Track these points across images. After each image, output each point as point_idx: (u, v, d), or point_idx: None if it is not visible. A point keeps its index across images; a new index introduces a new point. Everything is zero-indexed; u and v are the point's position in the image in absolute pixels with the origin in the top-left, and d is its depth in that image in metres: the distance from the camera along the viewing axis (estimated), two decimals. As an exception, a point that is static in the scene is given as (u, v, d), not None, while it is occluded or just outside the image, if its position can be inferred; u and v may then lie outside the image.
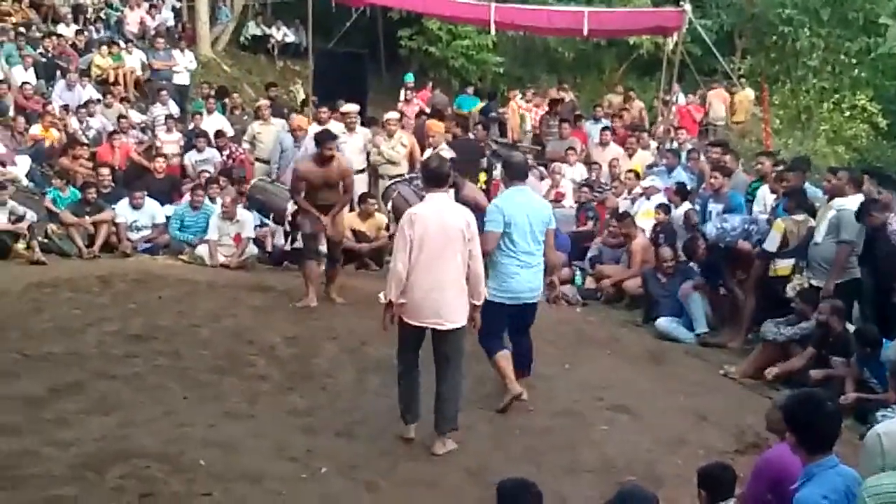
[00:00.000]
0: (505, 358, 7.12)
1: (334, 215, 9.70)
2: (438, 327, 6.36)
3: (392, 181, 11.48)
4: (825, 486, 3.76)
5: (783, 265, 8.79)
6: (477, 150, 13.30)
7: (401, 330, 6.51)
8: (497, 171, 12.81)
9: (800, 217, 8.85)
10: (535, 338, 7.56)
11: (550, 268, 7.39)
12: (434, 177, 6.60)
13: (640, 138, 14.59)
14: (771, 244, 8.82)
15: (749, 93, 20.57)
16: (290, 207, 10.33)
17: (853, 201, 8.43)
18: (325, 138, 9.63)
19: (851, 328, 7.94)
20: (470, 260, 6.33)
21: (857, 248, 8.33)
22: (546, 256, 7.24)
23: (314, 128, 12.28)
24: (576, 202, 13.30)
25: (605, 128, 15.55)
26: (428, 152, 11.14)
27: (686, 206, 10.91)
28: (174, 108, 16.12)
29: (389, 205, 11.08)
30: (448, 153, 10.69)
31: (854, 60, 21.94)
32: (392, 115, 12.94)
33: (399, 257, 6.30)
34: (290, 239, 10.66)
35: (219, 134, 14.56)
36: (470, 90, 19.91)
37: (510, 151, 11.16)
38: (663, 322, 9.70)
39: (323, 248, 9.96)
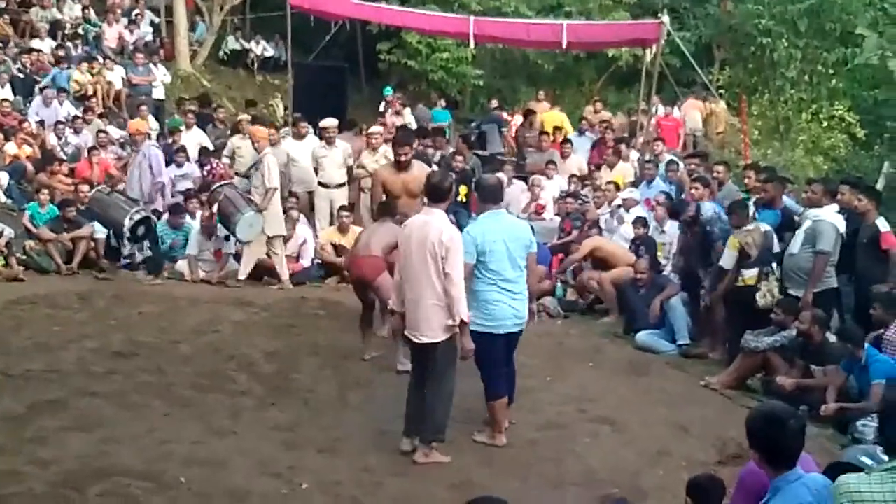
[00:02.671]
0: (502, 406, 6.80)
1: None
2: (414, 340, 6.38)
3: (218, 184, 11.56)
4: (792, 499, 3.78)
5: (749, 275, 8.80)
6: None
7: None
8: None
9: (750, 227, 8.87)
10: (516, 350, 7.54)
11: (531, 295, 6.91)
12: (433, 191, 6.43)
13: (619, 150, 14.62)
14: (727, 261, 8.86)
15: (723, 104, 20.70)
16: (128, 222, 10.38)
17: (828, 211, 8.54)
18: (399, 142, 8.95)
19: (832, 338, 7.99)
20: (445, 280, 6.11)
21: (834, 258, 8.42)
22: (528, 282, 6.81)
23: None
24: (557, 214, 13.32)
25: (565, 140, 15.63)
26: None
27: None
28: (154, 124, 16.04)
29: (215, 207, 11.18)
30: (273, 158, 10.76)
31: (831, 71, 22.04)
32: (375, 129, 12.89)
33: (398, 267, 6.49)
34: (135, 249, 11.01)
35: (203, 152, 14.55)
36: (442, 103, 20.01)
37: (483, 174, 10.99)
38: (643, 336, 9.72)
39: None
